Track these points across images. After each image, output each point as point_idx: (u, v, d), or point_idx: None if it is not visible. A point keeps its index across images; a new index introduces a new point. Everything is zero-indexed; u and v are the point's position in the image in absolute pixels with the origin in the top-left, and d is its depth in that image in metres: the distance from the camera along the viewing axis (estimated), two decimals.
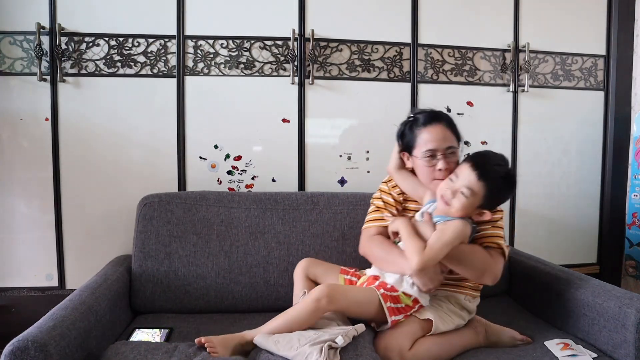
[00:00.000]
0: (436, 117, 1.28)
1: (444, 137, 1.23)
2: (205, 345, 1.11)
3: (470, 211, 1.18)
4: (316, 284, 1.36)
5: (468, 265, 1.19)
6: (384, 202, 1.36)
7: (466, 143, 1.96)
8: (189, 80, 1.80)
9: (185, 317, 1.47)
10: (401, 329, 1.17)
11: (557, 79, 2.04)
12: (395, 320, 1.16)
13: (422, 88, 1.92)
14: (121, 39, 1.76)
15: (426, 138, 1.24)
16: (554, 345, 1.24)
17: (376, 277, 1.25)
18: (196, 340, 1.13)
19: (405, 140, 1.30)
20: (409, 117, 1.33)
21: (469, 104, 1.96)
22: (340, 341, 1.03)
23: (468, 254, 1.19)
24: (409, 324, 1.18)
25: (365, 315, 1.17)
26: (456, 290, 1.32)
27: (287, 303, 1.45)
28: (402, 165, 1.34)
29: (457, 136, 1.29)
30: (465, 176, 1.15)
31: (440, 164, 1.22)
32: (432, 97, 1.91)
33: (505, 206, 1.97)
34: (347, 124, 1.89)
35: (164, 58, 1.79)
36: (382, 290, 1.18)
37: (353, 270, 1.35)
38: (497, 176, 1.15)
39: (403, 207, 1.36)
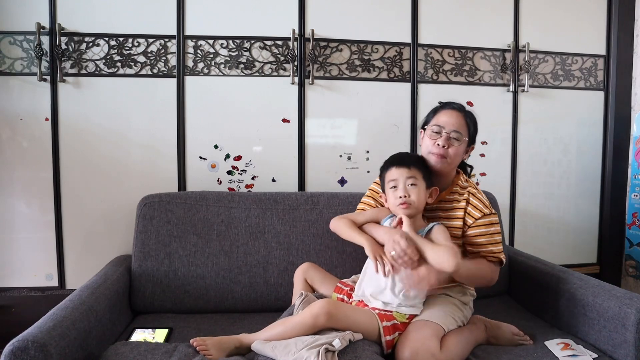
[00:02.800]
0: (456, 106, 1.38)
1: (454, 122, 1.32)
2: (197, 347, 1.11)
3: (424, 200, 1.27)
4: (313, 288, 1.38)
5: (477, 280, 1.30)
6: (374, 199, 1.45)
7: None
8: (189, 80, 1.80)
9: (185, 317, 1.47)
10: (424, 332, 1.14)
11: (557, 79, 2.04)
12: (389, 340, 1.15)
13: (422, 88, 1.92)
14: (121, 39, 1.76)
15: (439, 116, 1.36)
16: (554, 345, 1.24)
17: (365, 304, 1.22)
18: (191, 341, 1.13)
19: (426, 120, 1.42)
20: (439, 103, 1.44)
21: (469, 104, 1.96)
22: (337, 344, 1.02)
23: (475, 271, 1.27)
24: (424, 327, 1.16)
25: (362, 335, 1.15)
26: (447, 286, 1.34)
27: (286, 303, 1.45)
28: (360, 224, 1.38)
29: (471, 131, 1.36)
30: (399, 179, 1.26)
31: (441, 141, 1.30)
32: (432, 97, 1.90)
33: (505, 206, 2.00)
34: (347, 124, 1.89)
35: (164, 58, 1.79)
36: (377, 311, 1.18)
37: (347, 289, 1.31)
38: (408, 160, 1.29)
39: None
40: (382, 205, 1.38)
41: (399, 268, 1.17)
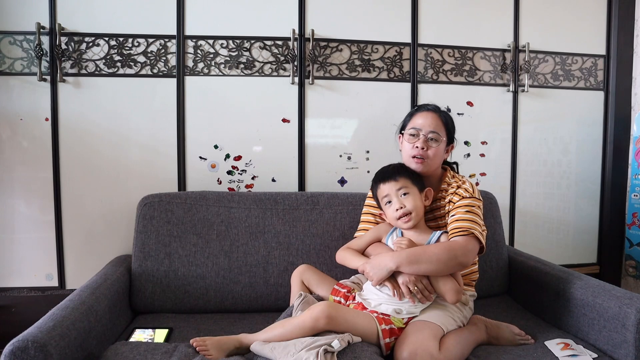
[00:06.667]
0: (431, 107, 1.39)
1: (430, 123, 1.34)
2: (196, 347, 1.11)
3: (422, 204, 1.28)
4: (309, 290, 1.38)
5: (442, 263, 1.17)
6: (372, 215, 1.46)
7: (466, 143, 1.96)
8: (189, 80, 1.80)
9: (185, 317, 1.47)
10: (423, 333, 1.13)
11: (557, 79, 2.04)
12: (387, 342, 1.14)
13: (422, 88, 1.92)
14: (121, 39, 1.76)
15: (415, 119, 1.38)
16: (554, 345, 1.24)
17: (364, 307, 1.22)
18: (191, 341, 1.13)
19: (403, 124, 1.44)
20: (413, 107, 1.44)
21: (469, 104, 1.96)
22: (336, 345, 1.02)
23: (421, 254, 1.19)
24: (423, 327, 1.16)
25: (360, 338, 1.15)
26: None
27: (286, 303, 1.45)
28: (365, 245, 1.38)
29: (448, 130, 1.38)
30: (391, 193, 1.27)
31: (419, 143, 1.32)
32: (432, 97, 1.91)
33: (505, 206, 2.00)
34: (347, 124, 1.89)
35: (164, 58, 1.79)
36: (375, 314, 1.18)
37: (345, 291, 1.30)
38: (393, 172, 1.30)
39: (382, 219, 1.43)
40: (383, 220, 1.39)
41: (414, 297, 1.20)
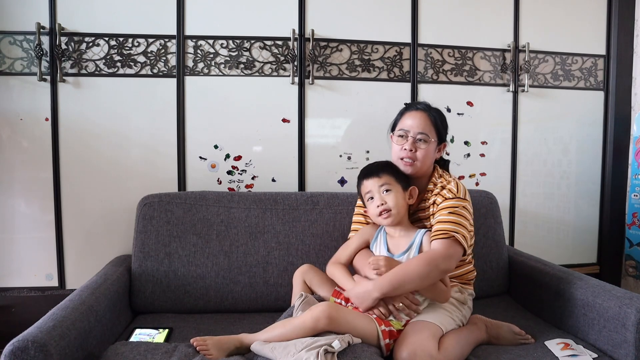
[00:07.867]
0: (420, 107, 1.36)
1: (419, 124, 1.32)
2: (197, 347, 1.11)
3: (404, 202, 1.27)
4: (311, 290, 1.38)
5: (416, 280, 1.17)
6: (362, 215, 1.45)
7: (466, 143, 1.96)
8: (189, 80, 1.80)
9: (185, 317, 1.47)
10: (422, 333, 1.13)
11: (557, 79, 2.04)
12: (387, 343, 1.14)
13: (422, 88, 1.92)
14: (121, 39, 1.76)
15: (404, 120, 1.36)
16: (554, 345, 1.24)
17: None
18: (191, 341, 1.13)
19: (393, 123, 1.41)
20: (404, 105, 1.44)
21: (469, 104, 1.96)
22: (337, 345, 1.02)
23: (403, 276, 1.17)
24: (422, 327, 1.16)
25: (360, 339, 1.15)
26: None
27: (286, 303, 1.45)
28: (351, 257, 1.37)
29: (438, 130, 1.35)
30: (373, 189, 1.27)
31: (407, 145, 1.30)
32: (432, 97, 1.90)
33: (505, 206, 2.00)
34: (347, 124, 1.89)
35: (164, 58, 1.79)
36: (374, 315, 1.18)
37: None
38: (377, 168, 1.29)
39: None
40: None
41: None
